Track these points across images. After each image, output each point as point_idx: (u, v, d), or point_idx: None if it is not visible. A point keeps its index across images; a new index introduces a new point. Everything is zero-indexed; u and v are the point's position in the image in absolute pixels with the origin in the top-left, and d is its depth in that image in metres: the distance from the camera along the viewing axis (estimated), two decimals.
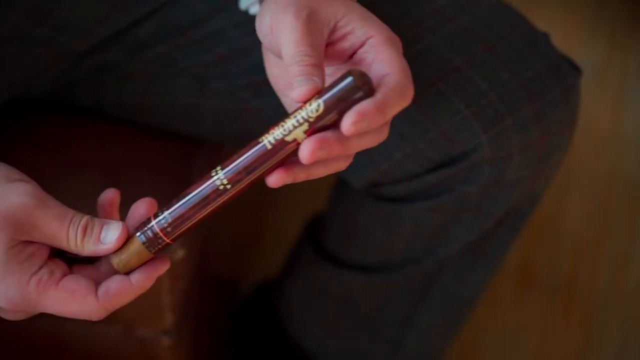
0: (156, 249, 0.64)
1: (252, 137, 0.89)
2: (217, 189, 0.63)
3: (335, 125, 0.62)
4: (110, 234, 0.63)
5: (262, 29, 0.67)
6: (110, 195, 0.65)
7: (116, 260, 0.64)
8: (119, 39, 0.84)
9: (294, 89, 0.63)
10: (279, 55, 0.67)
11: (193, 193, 0.64)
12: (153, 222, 0.64)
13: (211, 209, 0.64)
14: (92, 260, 0.65)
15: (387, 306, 1.01)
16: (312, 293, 1.08)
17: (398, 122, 0.79)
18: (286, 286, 1.11)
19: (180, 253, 0.87)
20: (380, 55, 0.65)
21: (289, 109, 0.72)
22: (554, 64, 0.81)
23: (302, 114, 0.63)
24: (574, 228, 1.43)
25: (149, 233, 0.64)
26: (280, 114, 0.85)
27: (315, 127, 0.62)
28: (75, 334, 0.93)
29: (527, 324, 1.34)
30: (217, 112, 0.87)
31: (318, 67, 0.64)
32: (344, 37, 0.67)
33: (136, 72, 0.86)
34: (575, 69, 0.84)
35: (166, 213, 0.64)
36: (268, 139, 0.63)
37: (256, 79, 0.84)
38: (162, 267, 0.64)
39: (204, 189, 0.63)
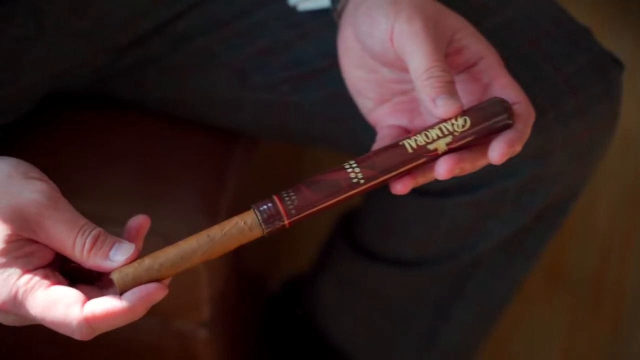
0: (270, 228, 0.63)
1: (289, 131, 0.90)
2: (351, 182, 0.64)
3: (469, 145, 0.66)
4: (120, 254, 0.61)
5: (366, 37, 0.69)
6: (140, 221, 0.64)
7: (117, 275, 0.61)
8: (159, 33, 0.84)
9: (438, 105, 0.65)
10: (391, 65, 0.69)
11: (325, 181, 0.64)
12: (277, 201, 0.63)
13: (336, 200, 0.64)
14: (90, 280, 0.63)
15: (421, 301, 1.01)
16: (345, 288, 1.08)
17: None
18: (318, 281, 1.11)
19: None
20: (501, 79, 0.68)
21: (366, 113, 0.74)
22: (596, 58, 0.80)
23: (447, 126, 0.65)
24: (603, 224, 1.42)
25: (269, 209, 0.63)
26: (317, 108, 0.86)
27: (457, 142, 0.65)
28: None
29: (556, 320, 1.34)
30: (255, 105, 0.87)
31: (453, 84, 0.66)
32: (458, 51, 0.69)
33: (176, 66, 0.86)
34: (618, 64, 0.83)
35: (293, 195, 0.63)
36: (410, 143, 0.65)
37: (296, 73, 0.84)
38: (158, 292, 0.60)
39: (337, 179, 0.64)
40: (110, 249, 0.61)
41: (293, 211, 0.63)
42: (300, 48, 0.83)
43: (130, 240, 0.63)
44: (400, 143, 0.65)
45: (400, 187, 0.66)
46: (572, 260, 1.39)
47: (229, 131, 0.92)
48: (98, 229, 0.61)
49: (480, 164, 0.67)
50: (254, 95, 0.86)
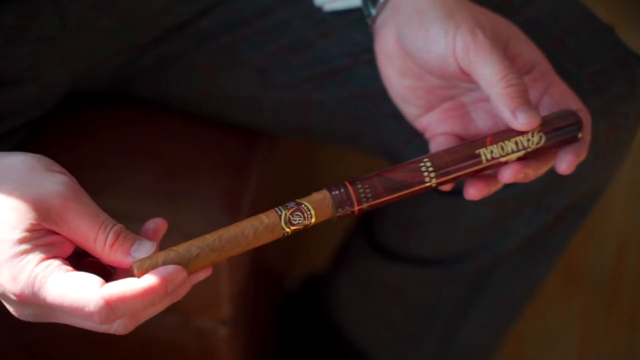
0: (339, 213, 0.65)
1: (311, 129, 0.90)
2: (424, 184, 0.67)
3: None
4: (141, 251, 0.61)
5: (413, 44, 0.71)
6: (157, 224, 0.64)
7: (137, 264, 0.60)
8: (182, 31, 0.85)
9: (519, 119, 0.66)
10: (447, 77, 0.70)
11: (399, 180, 0.66)
12: (349, 187, 0.65)
13: (405, 195, 0.67)
14: (105, 277, 0.62)
15: (441, 300, 1.01)
16: (364, 286, 1.08)
17: None
18: (336, 279, 1.11)
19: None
20: (557, 87, 0.70)
21: (412, 119, 0.75)
22: (620, 57, 0.80)
23: (524, 141, 0.67)
24: (619, 225, 1.42)
25: (342, 194, 0.65)
26: (339, 107, 0.86)
27: (527, 156, 0.68)
28: None
29: (572, 321, 1.34)
30: (277, 104, 0.87)
31: (528, 93, 0.67)
32: (512, 59, 0.70)
33: (199, 64, 0.86)
34: None
35: (366, 187, 0.66)
36: (485, 154, 0.67)
37: (318, 72, 0.84)
38: (176, 273, 0.59)
39: (412, 180, 0.66)
40: (131, 246, 0.61)
41: (364, 199, 0.65)
42: (322, 46, 0.83)
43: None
44: (477, 152, 0.67)
45: (474, 193, 0.69)
46: (588, 261, 1.39)
47: (251, 129, 0.92)
48: (119, 225, 0.61)
49: (543, 170, 0.69)
50: (276, 93, 0.86)
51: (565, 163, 0.68)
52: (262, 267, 1.06)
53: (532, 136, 0.67)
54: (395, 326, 1.07)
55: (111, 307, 0.57)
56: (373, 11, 0.75)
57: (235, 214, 0.88)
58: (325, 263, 1.21)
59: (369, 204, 0.66)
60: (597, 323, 1.34)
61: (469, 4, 0.71)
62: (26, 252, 0.58)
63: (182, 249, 0.61)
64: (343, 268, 1.11)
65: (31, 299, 0.58)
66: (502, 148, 0.67)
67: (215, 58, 0.86)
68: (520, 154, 0.67)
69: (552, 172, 0.83)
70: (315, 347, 1.18)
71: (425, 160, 0.67)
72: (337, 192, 0.65)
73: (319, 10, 0.82)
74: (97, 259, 0.61)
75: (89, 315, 0.57)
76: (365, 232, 1.05)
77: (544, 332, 1.32)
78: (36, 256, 0.58)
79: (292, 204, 0.64)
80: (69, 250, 0.61)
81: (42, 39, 0.79)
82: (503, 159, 0.67)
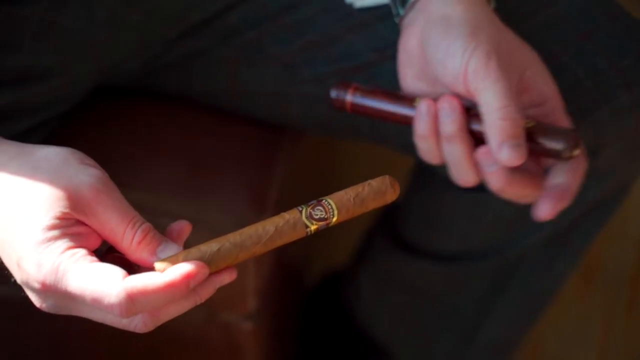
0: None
1: (336, 125, 0.90)
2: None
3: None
4: (167, 252, 0.60)
5: (428, 50, 0.72)
6: (182, 226, 0.63)
7: (159, 264, 0.60)
8: (209, 25, 0.85)
9: (503, 151, 0.68)
10: (457, 92, 0.71)
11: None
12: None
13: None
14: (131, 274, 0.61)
15: (464, 296, 1.01)
16: (385, 282, 1.08)
17: None
18: (357, 275, 1.11)
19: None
20: (563, 124, 0.72)
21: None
22: None
23: None
24: (638, 223, 1.41)
25: None
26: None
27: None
28: None
29: (591, 317, 1.33)
30: (303, 99, 0.87)
31: (523, 130, 0.69)
32: (526, 89, 0.71)
33: (225, 59, 0.86)
34: None
35: None
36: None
37: (345, 67, 0.84)
38: (198, 269, 0.58)
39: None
40: (157, 246, 0.60)
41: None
42: (349, 41, 0.83)
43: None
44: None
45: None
46: (607, 259, 1.38)
47: (275, 124, 0.92)
48: (148, 224, 0.61)
49: (527, 191, 0.73)
50: (302, 88, 0.86)
51: (544, 209, 0.72)
52: (286, 262, 1.06)
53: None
54: (416, 322, 1.07)
55: (132, 300, 0.56)
56: (402, 11, 0.75)
57: (260, 209, 0.88)
58: (345, 259, 1.21)
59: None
60: (616, 321, 1.33)
61: (496, 22, 0.72)
62: (54, 238, 0.58)
63: (203, 246, 0.61)
64: (364, 264, 1.11)
65: (53, 288, 0.58)
66: None
67: (241, 53, 0.86)
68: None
69: None
70: (335, 342, 1.18)
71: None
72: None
73: (344, 5, 0.83)
74: (123, 254, 0.61)
75: (110, 307, 0.57)
76: (387, 227, 1.05)
77: (563, 330, 1.32)
78: (63, 244, 0.58)
79: (313, 201, 0.64)
80: (96, 243, 0.61)
81: (70, 33, 0.80)
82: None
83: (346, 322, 1.14)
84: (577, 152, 0.69)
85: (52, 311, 0.60)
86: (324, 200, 0.63)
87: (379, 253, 1.07)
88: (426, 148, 0.73)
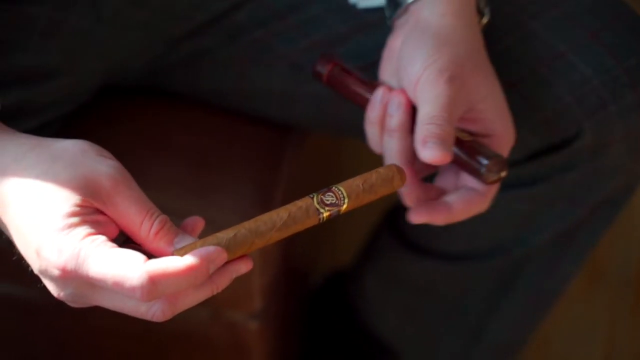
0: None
1: (343, 124, 0.90)
2: None
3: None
4: (183, 243, 0.61)
5: (405, 65, 0.73)
6: (195, 221, 0.64)
7: (178, 252, 0.61)
8: (216, 24, 0.85)
9: (427, 147, 0.69)
10: (408, 92, 0.73)
11: None
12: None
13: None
14: None
15: (470, 296, 1.01)
16: (391, 282, 1.08)
17: None
18: (362, 274, 1.11)
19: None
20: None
21: None
22: None
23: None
24: None
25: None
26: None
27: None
28: None
29: (597, 317, 1.33)
30: (310, 98, 0.87)
31: (452, 139, 0.69)
32: (473, 120, 0.73)
33: (231, 58, 0.86)
34: None
35: None
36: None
37: (353, 65, 0.84)
38: (217, 253, 0.60)
39: None
40: (174, 237, 0.61)
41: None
42: (357, 41, 0.83)
43: None
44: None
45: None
46: (613, 258, 1.38)
47: (282, 123, 0.92)
48: (165, 216, 0.61)
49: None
50: (309, 88, 0.86)
51: (416, 215, 0.75)
52: (291, 261, 1.06)
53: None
54: (422, 321, 1.07)
55: (154, 283, 0.57)
56: (393, 14, 0.77)
57: (266, 208, 0.87)
58: (349, 259, 1.21)
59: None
60: (622, 321, 1.33)
61: (473, 43, 0.73)
62: (74, 225, 0.58)
63: (219, 234, 0.62)
64: (370, 263, 1.11)
65: (73, 274, 0.58)
66: None
67: (248, 52, 0.86)
68: None
69: (586, 167, 0.84)
70: (340, 341, 1.18)
71: None
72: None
73: (350, 5, 0.83)
74: (139, 246, 0.62)
75: (131, 289, 0.57)
76: (394, 226, 1.05)
77: (569, 330, 1.32)
78: (83, 230, 0.58)
79: (323, 189, 0.65)
80: (113, 232, 0.61)
81: (77, 32, 0.80)
82: None
83: (351, 321, 1.14)
84: (497, 177, 0.70)
85: (70, 300, 0.60)
86: (334, 187, 0.64)
87: (385, 252, 1.07)
88: (371, 135, 0.76)
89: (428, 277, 1.02)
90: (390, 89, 0.74)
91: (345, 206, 0.64)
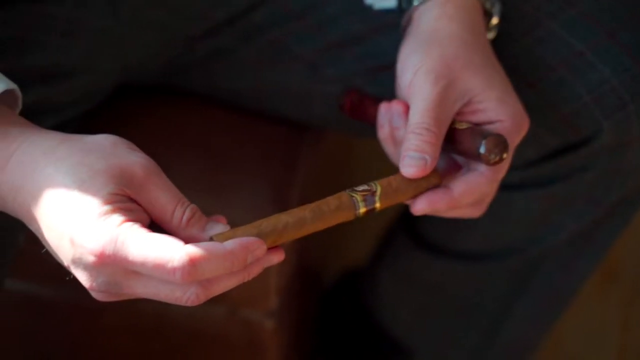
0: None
1: (361, 123, 0.90)
2: None
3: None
4: (215, 230, 0.62)
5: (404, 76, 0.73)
6: (218, 218, 0.64)
7: (216, 237, 0.62)
8: (233, 24, 0.85)
9: (405, 164, 0.69)
10: (405, 99, 0.73)
11: None
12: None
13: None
14: None
15: (485, 295, 1.01)
16: (406, 281, 1.07)
17: None
18: (377, 273, 1.11)
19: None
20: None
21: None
22: None
23: None
24: None
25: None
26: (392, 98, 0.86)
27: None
28: (180, 314, 0.94)
29: (610, 316, 1.33)
30: (327, 98, 0.87)
31: (433, 145, 0.69)
32: (474, 112, 0.72)
33: (248, 58, 0.87)
34: None
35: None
36: None
37: (370, 65, 0.84)
38: (257, 243, 0.61)
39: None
40: (206, 224, 0.62)
41: None
42: (374, 41, 0.83)
43: None
44: None
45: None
46: (626, 258, 1.38)
47: (299, 123, 0.92)
48: (195, 205, 0.63)
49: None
50: (325, 88, 0.86)
51: (419, 206, 0.72)
52: (305, 261, 1.06)
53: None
54: (436, 321, 1.07)
55: (195, 264, 0.57)
56: (402, 20, 0.78)
57: (282, 207, 0.87)
58: (363, 258, 1.21)
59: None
60: (636, 320, 1.33)
61: (467, 38, 0.73)
62: (110, 212, 0.59)
63: (255, 223, 0.63)
64: (385, 262, 1.11)
65: (111, 258, 0.58)
66: None
67: (264, 52, 0.86)
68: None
69: (604, 166, 0.83)
70: (354, 340, 1.18)
71: None
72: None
73: (367, 6, 0.83)
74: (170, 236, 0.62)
75: (172, 270, 0.57)
76: (409, 226, 1.05)
77: (583, 329, 1.32)
78: (120, 216, 0.59)
79: (362, 185, 0.67)
80: (145, 221, 0.61)
81: (95, 31, 0.80)
82: None
83: (365, 320, 1.14)
84: (498, 157, 0.69)
85: (102, 289, 0.60)
86: (371, 184, 0.66)
87: (399, 252, 1.07)
88: (389, 152, 0.76)
89: (443, 277, 1.02)
90: (391, 105, 0.74)
91: (379, 192, 0.65)
